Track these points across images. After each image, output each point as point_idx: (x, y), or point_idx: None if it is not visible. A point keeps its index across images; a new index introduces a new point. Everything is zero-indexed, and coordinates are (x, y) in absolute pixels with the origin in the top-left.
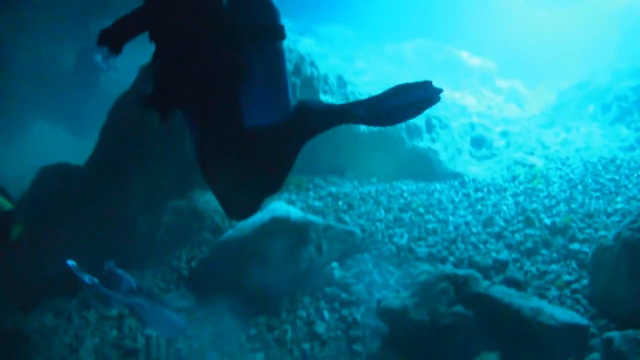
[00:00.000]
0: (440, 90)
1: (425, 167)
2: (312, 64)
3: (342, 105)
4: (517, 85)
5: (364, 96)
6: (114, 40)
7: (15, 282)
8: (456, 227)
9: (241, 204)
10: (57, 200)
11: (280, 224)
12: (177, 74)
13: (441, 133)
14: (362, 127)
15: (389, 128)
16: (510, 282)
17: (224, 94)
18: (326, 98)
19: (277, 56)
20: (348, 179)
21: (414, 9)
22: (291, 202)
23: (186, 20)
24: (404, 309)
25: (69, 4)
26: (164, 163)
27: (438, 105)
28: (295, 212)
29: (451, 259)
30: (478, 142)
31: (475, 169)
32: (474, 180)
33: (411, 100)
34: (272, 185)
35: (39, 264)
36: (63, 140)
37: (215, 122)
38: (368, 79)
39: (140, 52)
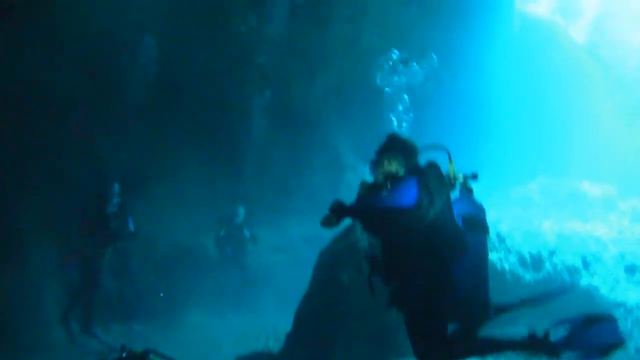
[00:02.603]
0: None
1: (589, 303)
2: None
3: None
4: (638, 204)
5: (522, 249)
6: (340, 213)
7: None
8: (637, 351)
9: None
10: None
11: None
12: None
13: (597, 268)
14: (527, 277)
15: (552, 274)
16: None
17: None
18: (492, 255)
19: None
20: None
21: (531, 148)
22: None
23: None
24: None
25: (198, 193)
26: (358, 339)
27: (588, 241)
28: None
29: None
30: (631, 269)
31: (635, 294)
32: (637, 305)
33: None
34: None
35: None
36: (221, 326)
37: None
38: (506, 228)
39: None
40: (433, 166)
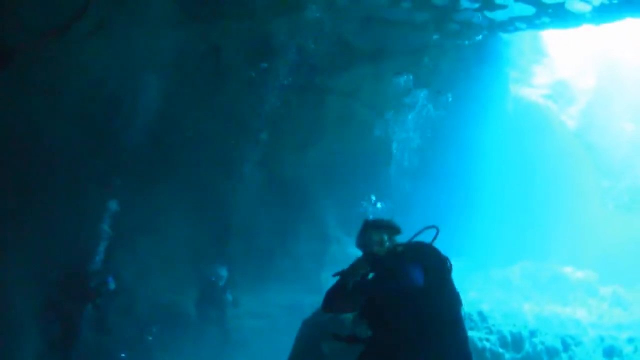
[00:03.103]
0: None
1: None
2: None
3: None
4: (618, 290)
5: (503, 328)
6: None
7: None
8: None
9: None
10: None
11: None
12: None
13: (576, 350)
14: (507, 356)
15: (532, 354)
16: None
17: None
18: (473, 334)
19: None
20: None
21: (514, 233)
22: None
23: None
24: None
25: (182, 252)
26: None
27: (568, 324)
28: None
29: None
30: (609, 353)
31: None
32: None
33: None
34: None
35: None
36: None
37: None
38: (487, 308)
39: None
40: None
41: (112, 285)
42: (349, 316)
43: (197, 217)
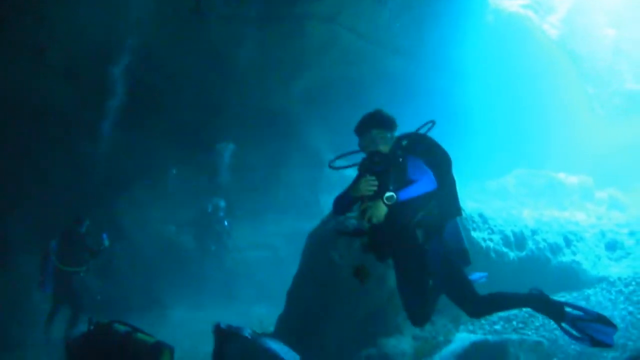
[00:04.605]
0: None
1: (573, 278)
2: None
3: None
4: (614, 193)
5: (505, 229)
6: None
7: None
8: (622, 319)
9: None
10: None
11: (480, 346)
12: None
13: (579, 246)
14: (511, 255)
15: (535, 251)
16: None
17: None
18: (475, 234)
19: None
20: None
21: (507, 143)
22: (472, 332)
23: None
24: None
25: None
26: (350, 316)
27: (569, 222)
28: (487, 335)
29: (630, 344)
30: (612, 246)
31: (616, 269)
32: (619, 278)
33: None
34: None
35: None
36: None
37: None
38: (489, 215)
39: None
40: (432, 141)
41: (106, 242)
42: (353, 221)
43: (189, 154)
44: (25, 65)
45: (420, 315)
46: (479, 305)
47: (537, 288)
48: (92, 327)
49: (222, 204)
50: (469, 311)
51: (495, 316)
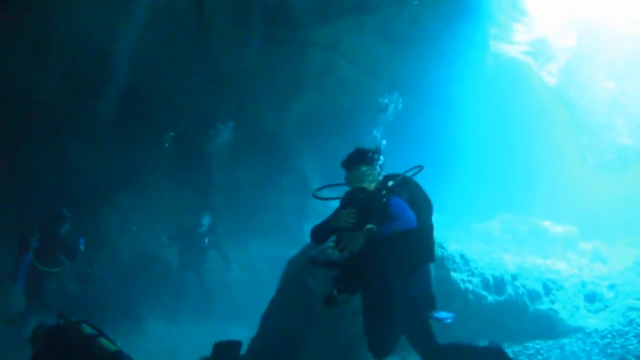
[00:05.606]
0: None
1: (549, 326)
2: (441, 245)
3: None
4: (598, 245)
5: (485, 272)
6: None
7: None
8: None
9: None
10: None
11: None
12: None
13: (558, 294)
14: (490, 298)
15: (514, 297)
16: None
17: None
18: (455, 275)
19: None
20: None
21: (495, 186)
22: None
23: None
24: None
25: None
26: (325, 346)
27: (550, 270)
28: None
29: None
30: (591, 298)
31: (593, 321)
32: (596, 330)
33: None
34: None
35: None
36: (180, 335)
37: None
38: (470, 257)
39: None
40: (417, 186)
41: (82, 247)
42: (334, 252)
43: (180, 171)
44: (22, 62)
45: (380, 350)
46: (435, 354)
47: (496, 342)
48: (61, 322)
49: (207, 221)
50: (424, 357)
51: None
